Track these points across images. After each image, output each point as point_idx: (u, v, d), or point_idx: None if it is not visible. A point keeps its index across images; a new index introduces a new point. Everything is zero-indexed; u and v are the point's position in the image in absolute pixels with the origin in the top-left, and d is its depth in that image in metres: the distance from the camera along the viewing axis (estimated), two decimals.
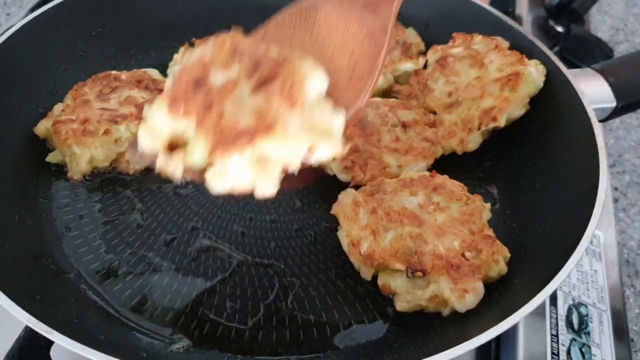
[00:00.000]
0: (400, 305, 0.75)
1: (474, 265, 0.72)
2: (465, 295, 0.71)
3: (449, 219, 0.77)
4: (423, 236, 0.75)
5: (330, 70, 0.71)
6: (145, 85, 0.97)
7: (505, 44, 0.99)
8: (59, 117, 0.91)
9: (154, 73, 1.02)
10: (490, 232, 0.78)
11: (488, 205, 0.82)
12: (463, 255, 0.73)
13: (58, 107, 0.95)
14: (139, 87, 0.97)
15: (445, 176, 0.84)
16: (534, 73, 0.92)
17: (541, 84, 0.92)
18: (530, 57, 0.95)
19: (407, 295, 0.74)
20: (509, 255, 0.78)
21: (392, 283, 0.75)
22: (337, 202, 0.83)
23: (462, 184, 0.84)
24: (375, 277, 0.77)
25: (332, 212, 0.82)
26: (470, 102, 0.94)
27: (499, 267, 0.75)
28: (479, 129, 0.92)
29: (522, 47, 0.98)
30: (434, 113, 0.97)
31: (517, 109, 0.91)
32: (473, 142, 0.93)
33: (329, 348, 0.74)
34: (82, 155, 0.88)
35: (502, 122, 0.90)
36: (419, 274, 0.72)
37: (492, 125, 0.91)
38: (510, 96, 0.90)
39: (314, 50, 0.75)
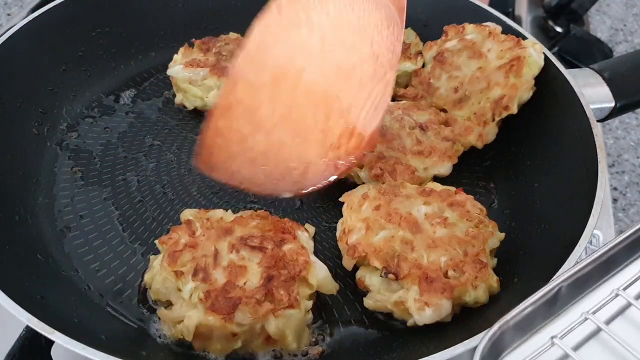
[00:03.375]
0: (367, 302, 0.75)
1: (448, 284, 0.70)
2: (424, 309, 0.69)
3: (448, 235, 0.75)
4: (413, 244, 0.74)
5: (354, 61, 0.70)
6: None
7: (498, 28, 0.99)
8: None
9: None
10: (486, 258, 0.74)
11: (501, 235, 0.79)
12: (446, 273, 0.72)
13: None
14: None
15: (470, 197, 0.82)
16: (534, 54, 0.92)
17: (542, 63, 0.92)
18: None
19: (377, 295, 0.74)
20: (497, 286, 0.74)
21: (368, 279, 0.75)
22: (350, 191, 0.83)
23: (483, 207, 0.81)
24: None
25: (341, 198, 0.82)
26: (479, 94, 0.94)
27: (477, 294, 0.71)
28: (493, 120, 0.92)
29: None
30: (444, 111, 0.97)
31: (525, 92, 0.91)
32: (490, 133, 0.93)
33: (327, 346, 0.74)
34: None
35: (514, 109, 0.90)
36: (391, 276, 0.71)
37: (505, 114, 0.91)
38: (517, 82, 0.90)
39: (334, 33, 0.70)
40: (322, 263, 0.73)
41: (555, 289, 0.56)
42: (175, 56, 1.06)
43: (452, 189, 0.83)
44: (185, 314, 0.67)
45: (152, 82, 1.11)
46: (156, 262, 0.73)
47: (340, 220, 0.81)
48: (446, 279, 0.71)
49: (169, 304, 0.71)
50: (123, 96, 1.07)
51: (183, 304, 0.68)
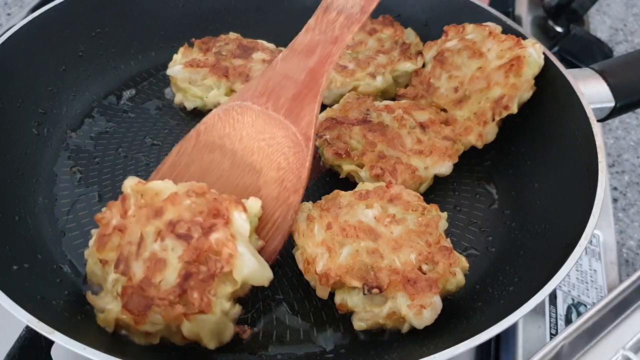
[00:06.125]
0: (358, 324, 0.73)
1: (431, 279, 0.70)
2: (422, 312, 0.69)
3: (405, 231, 0.75)
4: (379, 251, 0.73)
5: (260, 184, 0.76)
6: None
7: (498, 28, 0.99)
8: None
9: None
10: (447, 242, 0.76)
11: (444, 214, 0.80)
12: (420, 268, 0.72)
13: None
14: None
15: (401, 186, 0.82)
16: (534, 53, 0.92)
17: (542, 63, 0.92)
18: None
19: (364, 314, 0.72)
20: (467, 265, 0.76)
21: (349, 301, 0.72)
22: None
23: (418, 194, 0.82)
24: (332, 295, 0.75)
25: None
26: (479, 94, 0.94)
27: (457, 280, 0.73)
28: (493, 119, 0.92)
29: None
30: (445, 111, 0.97)
31: (525, 92, 0.91)
32: (490, 133, 0.93)
33: (328, 346, 0.74)
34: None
35: (514, 109, 0.91)
36: (375, 290, 0.69)
37: (505, 113, 0.91)
38: (517, 81, 0.91)
39: (245, 159, 0.78)
40: (252, 254, 0.68)
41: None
42: (175, 56, 1.07)
43: (383, 184, 0.83)
44: (106, 306, 0.67)
45: (152, 82, 1.11)
46: (92, 241, 0.72)
47: (297, 252, 0.78)
48: (426, 274, 0.71)
49: (100, 289, 0.71)
50: (123, 96, 1.07)
51: (107, 293, 0.68)
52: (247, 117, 0.79)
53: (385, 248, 0.73)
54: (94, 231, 0.73)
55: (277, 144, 0.77)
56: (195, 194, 0.71)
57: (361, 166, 0.88)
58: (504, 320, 0.64)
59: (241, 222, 0.69)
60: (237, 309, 0.69)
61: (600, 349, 0.56)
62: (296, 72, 0.81)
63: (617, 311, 0.57)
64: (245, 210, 0.70)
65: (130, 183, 0.73)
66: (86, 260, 0.73)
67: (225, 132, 0.80)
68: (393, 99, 1.02)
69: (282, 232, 0.75)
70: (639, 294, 0.58)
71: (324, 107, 0.95)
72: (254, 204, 0.72)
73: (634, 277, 0.58)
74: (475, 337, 0.62)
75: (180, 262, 0.66)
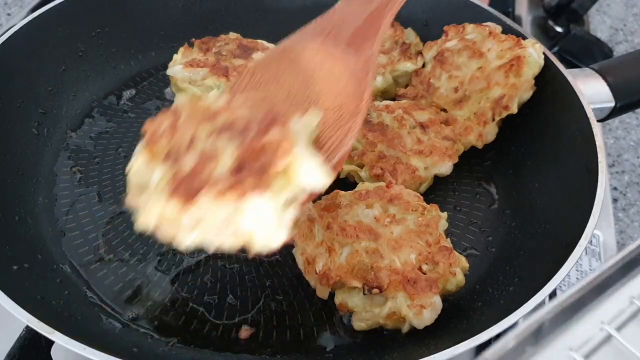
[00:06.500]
0: (358, 324, 0.73)
1: (431, 279, 0.70)
2: (422, 312, 0.69)
3: (405, 231, 0.75)
4: (379, 251, 0.73)
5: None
6: None
7: (498, 28, 0.99)
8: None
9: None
10: (447, 242, 0.76)
11: (444, 214, 0.80)
12: (420, 268, 0.72)
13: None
14: None
15: (401, 186, 0.82)
16: (534, 53, 0.92)
17: (542, 62, 0.92)
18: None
19: (364, 314, 0.72)
20: (467, 265, 0.76)
21: (349, 301, 0.72)
22: None
23: (418, 194, 0.82)
24: (332, 295, 0.75)
25: None
26: (479, 94, 0.94)
27: (457, 280, 0.73)
28: (493, 119, 0.92)
29: None
30: (445, 111, 0.97)
31: (525, 92, 0.92)
32: (490, 133, 0.93)
33: (328, 346, 0.74)
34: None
35: (514, 109, 0.91)
36: (375, 290, 0.69)
37: (505, 113, 0.91)
38: (517, 82, 0.91)
39: (301, 91, 0.75)
40: (309, 152, 0.62)
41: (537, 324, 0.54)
42: (175, 56, 1.06)
43: (383, 184, 0.83)
44: (148, 203, 0.60)
45: (151, 82, 1.11)
46: (137, 149, 0.66)
47: (297, 252, 0.77)
48: (426, 274, 0.71)
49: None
50: (123, 96, 1.07)
51: (150, 192, 0.61)
52: (305, 53, 0.77)
53: (385, 248, 0.73)
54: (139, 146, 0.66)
55: (336, 78, 0.75)
56: (251, 102, 0.68)
57: (361, 166, 0.88)
58: (504, 320, 0.64)
59: (300, 125, 0.66)
60: (293, 211, 0.61)
61: (581, 325, 0.56)
62: (355, 15, 0.80)
63: (599, 289, 0.57)
64: (304, 114, 0.67)
65: (184, 98, 0.70)
66: (127, 172, 0.65)
67: (281, 66, 0.78)
68: (393, 99, 1.02)
69: (340, 153, 0.70)
70: (623, 271, 0.58)
71: None
72: (314, 115, 0.69)
73: (618, 257, 0.58)
74: (475, 337, 0.62)
75: (233, 155, 0.60)
